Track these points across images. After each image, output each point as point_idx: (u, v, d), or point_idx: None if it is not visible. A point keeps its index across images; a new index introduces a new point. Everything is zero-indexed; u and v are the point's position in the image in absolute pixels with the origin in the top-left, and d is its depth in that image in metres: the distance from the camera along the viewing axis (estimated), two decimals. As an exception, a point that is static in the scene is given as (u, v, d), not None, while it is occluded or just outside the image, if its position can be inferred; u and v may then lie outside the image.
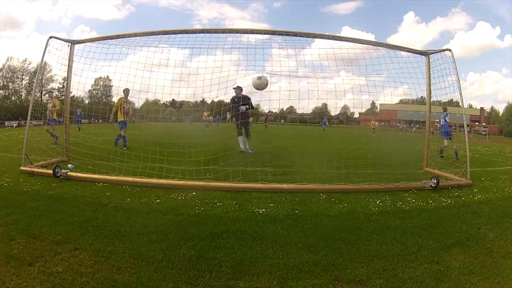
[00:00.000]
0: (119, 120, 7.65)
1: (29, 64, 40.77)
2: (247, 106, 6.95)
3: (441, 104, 7.85)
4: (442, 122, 8.41)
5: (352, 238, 2.53)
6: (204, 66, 4.92)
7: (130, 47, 5.15)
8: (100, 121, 17.30)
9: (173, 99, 6.95)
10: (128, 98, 7.59)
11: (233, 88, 6.65)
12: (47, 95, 10.46)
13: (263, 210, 3.18)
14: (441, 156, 7.62)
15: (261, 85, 4.86)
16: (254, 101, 7.17)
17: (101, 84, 39.82)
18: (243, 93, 7.04)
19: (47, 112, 8.09)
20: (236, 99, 6.94)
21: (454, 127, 8.49)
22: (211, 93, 5.93)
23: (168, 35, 4.90)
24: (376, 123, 22.87)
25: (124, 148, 6.92)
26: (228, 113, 6.96)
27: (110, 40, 5.09)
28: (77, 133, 11.39)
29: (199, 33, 4.99)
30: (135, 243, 2.30)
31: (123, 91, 7.32)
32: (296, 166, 4.77)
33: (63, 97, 9.39)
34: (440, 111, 8.17)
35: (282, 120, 19.80)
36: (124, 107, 7.61)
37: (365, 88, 5.22)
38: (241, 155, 6.07)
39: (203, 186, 3.94)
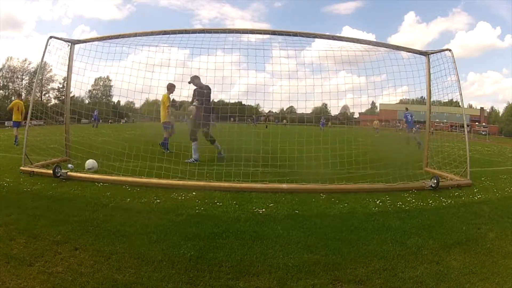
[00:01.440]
0: (162, 120, 6.83)
1: (29, 64, 40.91)
2: (198, 101, 5.65)
3: (441, 104, 7.90)
4: (409, 119, 11.31)
5: (352, 238, 2.53)
6: (204, 66, 4.94)
7: (131, 47, 5.16)
8: (100, 121, 17.39)
9: (173, 99, 6.88)
10: (129, 99, 6.76)
11: (189, 83, 5.72)
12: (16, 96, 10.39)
13: (263, 210, 3.18)
14: (419, 144, 9.99)
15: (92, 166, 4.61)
16: (254, 101, 6.39)
17: (101, 84, 39.87)
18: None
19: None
20: (196, 92, 5.83)
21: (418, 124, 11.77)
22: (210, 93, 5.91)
23: (168, 35, 4.90)
24: (378, 122, 22.72)
25: (166, 151, 6.48)
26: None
27: (110, 40, 5.10)
28: (78, 133, 11.38)
29: (199, 33, 5.00)
30: (135, 243, 2.30)
31: (168, 86, 6.47)
32: (296, 166, 4.77)
33: (63, 97, 9.43)
34: (441, 111, 8.20)
35: (284, 120, 19.72)
36: (169, 105, 6.76)
37: (365, 88, 5.24)
38: (241, 156, 5.83)
39: (203, 186, 3.94)
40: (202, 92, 5.71)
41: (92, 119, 15.87)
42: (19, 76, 41.21)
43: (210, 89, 5.77)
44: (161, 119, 6.91)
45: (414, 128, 11.48)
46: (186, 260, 2.07)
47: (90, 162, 4.69)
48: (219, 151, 6.12)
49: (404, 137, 12.05)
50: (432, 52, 5.49)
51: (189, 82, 5.74)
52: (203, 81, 5.77)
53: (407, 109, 11.85)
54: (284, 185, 4.06)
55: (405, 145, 10.92)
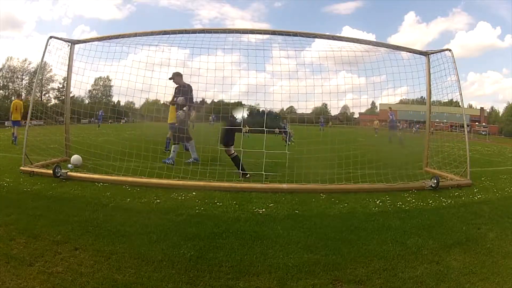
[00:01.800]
0: (170, 121, 6.53)
1: (29, 64, 40.85)
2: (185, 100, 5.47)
3: (441, 104, 7.92)
4: (393, 118, 13.03)
5: (352, 238, 2.53)
6: (204, 66, 4.93)
7: (131, 46, 5.16)
8: (102, 120, 17.37)
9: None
10: (129, 98, 6.47)
11: (170, 79, 5.56)
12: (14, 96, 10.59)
13: (263, 210, 3.18)
14: (389, 138, 12.60)
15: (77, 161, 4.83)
16: (254, 101, 6.64)
17: (101, 84, 39.87)
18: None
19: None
20: (176, 90, 5.69)
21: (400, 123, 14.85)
22: (209, 92, 5.90)
23: (168, 35, 4.90)
24: (378, 122, 22.62)
25: (166, 151, 6.54)
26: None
27: (110, 40, 5.09)
28: (78, 132, 11.35)
29: (199, 33, 5.00)
30: (135, 243, 2.30)
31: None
32: (296, 166, 4.76)
33: (63, 97, 9.44)
34: (441, 111, 8.20)
35: (285, 120, 19.70)
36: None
37: (365, 88, 5.24)
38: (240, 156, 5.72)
39: (203, 186, 3.94)
40: (185, 91, 5.52)
41: (98, 119, 15.86)
42: (19, 76, 41.20)
43: (191, 88, 5.57)
44: (169, 119, 6.74)
45: (397, 126, 13.95)
46: (186, 260, 2.07)
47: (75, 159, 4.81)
48: (171, 157, 5.77)
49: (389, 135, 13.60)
50: (432, 52, 5.49)
51: (170, 79, 5.59)
52: (204, 81, 5.74)
53: (390, 108, 12.65)
54: (284, 185, 4.06)
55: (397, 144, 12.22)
